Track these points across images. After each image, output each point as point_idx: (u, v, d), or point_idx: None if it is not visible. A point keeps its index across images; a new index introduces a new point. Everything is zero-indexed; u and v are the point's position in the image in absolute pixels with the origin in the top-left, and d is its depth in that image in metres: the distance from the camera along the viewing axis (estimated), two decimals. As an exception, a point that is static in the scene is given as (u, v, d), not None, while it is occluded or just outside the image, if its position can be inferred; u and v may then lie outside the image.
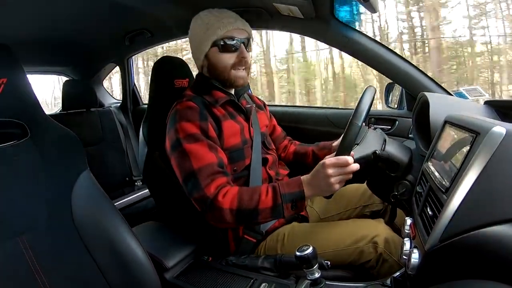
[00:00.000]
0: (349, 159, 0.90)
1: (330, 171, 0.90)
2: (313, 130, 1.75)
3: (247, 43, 1.12)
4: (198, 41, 1.11)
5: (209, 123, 1.04)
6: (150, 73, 1.31)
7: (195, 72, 1.28)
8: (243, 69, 1.12)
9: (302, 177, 0.98)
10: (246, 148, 1.14)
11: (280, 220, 1.12)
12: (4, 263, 0.73)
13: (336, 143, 1.27)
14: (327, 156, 0.95)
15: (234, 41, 1.08)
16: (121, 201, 2.09)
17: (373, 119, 1.55)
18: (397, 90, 1.54)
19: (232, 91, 1.19)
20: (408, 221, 0.82)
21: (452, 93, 1.29)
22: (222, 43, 1.07)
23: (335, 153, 0.94)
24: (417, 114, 1.12)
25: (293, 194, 0.95)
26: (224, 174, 1.01)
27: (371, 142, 1.05)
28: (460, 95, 1.26)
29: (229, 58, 1.09)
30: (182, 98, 1.11)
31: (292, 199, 0.95)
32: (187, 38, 1.20)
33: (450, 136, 0.78)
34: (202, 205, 0.98)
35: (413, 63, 1.33)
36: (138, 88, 2.67)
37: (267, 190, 0.96)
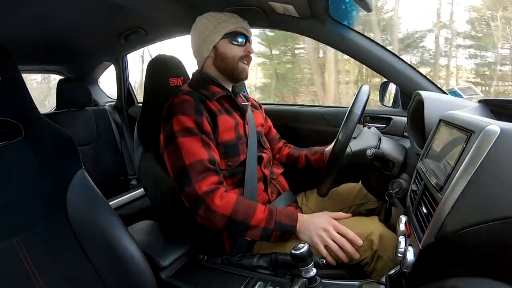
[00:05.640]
0: (358, 238, 0.94)
1: (330, 229, 0.95)
2: (308, 129, 1.75)
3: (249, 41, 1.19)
4: (208, 33, 1.14)
5: (204, 118, 1.05)
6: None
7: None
8: (247, 64, 1.17)
9: (299, 214, 1.01)
10: (241, 144, 1.14)
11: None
12: None
13: (328, 148, 1.28)
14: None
15: (243, 36, 1.15)
16: (116, 200, 2.08)
17: (368, 118, 1.56)
18: (392, 89, 1.54)
19: (230, 88, 1.20)
20: (403, 219, 0.82)
21: (446, 92, 1.29)
22: (233, 35, 1.14)
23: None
24: (412, 113, 1.12)
25: (286, 226, 0.98)
26: (215, 172, 1.01)
27: (367, 140, 1.06)
28: (454, 94, 1.26)
29: (237, 50, 1.15)
30: (178, 93, 1.12)
31: (282, 229, 0.97)
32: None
33: (444, 134, 0.78)
34: (190, 201, 0.99)
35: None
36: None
37: (264, 209, 0.98)
